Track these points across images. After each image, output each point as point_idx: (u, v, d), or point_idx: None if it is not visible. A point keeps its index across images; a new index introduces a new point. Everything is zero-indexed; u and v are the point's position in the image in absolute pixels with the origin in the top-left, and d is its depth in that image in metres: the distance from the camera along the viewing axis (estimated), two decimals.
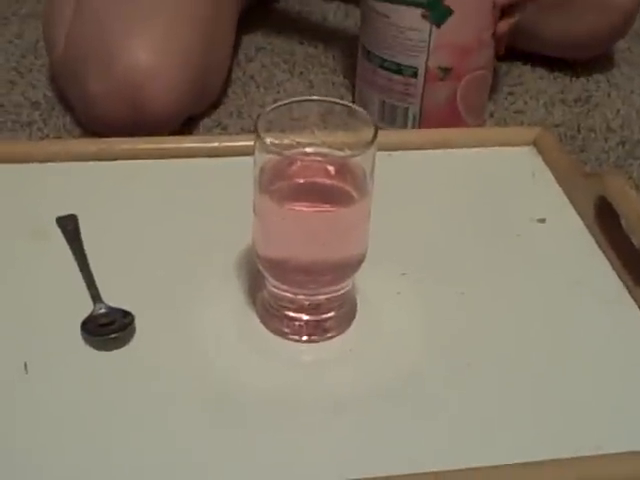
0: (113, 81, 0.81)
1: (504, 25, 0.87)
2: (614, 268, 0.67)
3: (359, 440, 0.53)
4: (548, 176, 0.76)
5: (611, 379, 0.59)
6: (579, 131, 0.95)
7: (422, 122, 0.88)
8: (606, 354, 0.60)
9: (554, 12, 1.00)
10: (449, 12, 0.82)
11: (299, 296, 0.59)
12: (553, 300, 0.64)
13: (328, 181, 0.57)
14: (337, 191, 0.57)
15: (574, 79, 1.04)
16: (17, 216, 0.68)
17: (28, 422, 0.53)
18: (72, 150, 0.76)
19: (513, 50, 0.97)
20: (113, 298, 0.61)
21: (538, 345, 0.61)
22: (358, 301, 0.62)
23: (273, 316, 0.60)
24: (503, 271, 0.67)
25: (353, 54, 0.94)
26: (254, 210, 0.58)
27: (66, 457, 0.51)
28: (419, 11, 0.83)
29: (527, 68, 1.06)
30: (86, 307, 0.60)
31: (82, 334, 0.58)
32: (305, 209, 0.57)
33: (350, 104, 0.59)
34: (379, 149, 0.55)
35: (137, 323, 0.59)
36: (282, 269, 0.58)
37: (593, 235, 0.69)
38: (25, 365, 0.56)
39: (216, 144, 0.77)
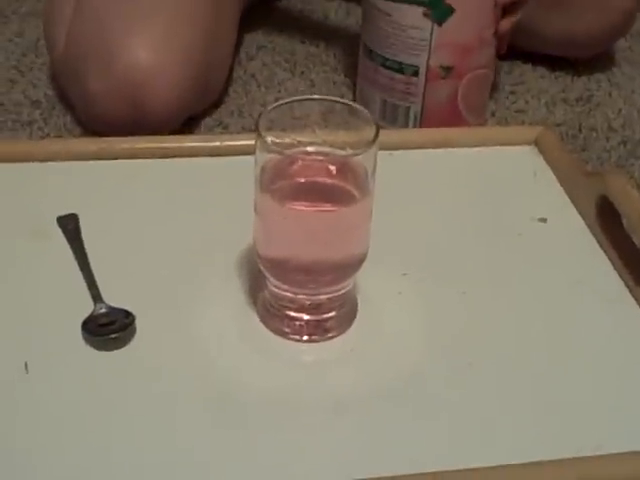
0: (113, 80, 0.81)
1: (506, 23, 0.87)
2: (615, 268, 0.67)
3: (360, 440, 0.53)
4: (549, 175, 0.76)
5: (612, 378, 0.58)
6: (580, 130, 0.94)
7: (423, 121, 0.88)
8: (607, 353, 0.60)
9: (555, 10, 1.00)
10: (450, 10, 0.82)
11: (300, 296, 0.59)
12: (554, 299, 0.64)
13: (329, 180, 0.57)
14: (338, 190, 0.57)
15: (575, 78, 1.04)
16: (18, 215, 0.68)
17: (28, 422, 0.53)
18: (73, 149, 0.75)
19: (514, 49, 0.97)
20: (114, 298, 0.60)
21: (539, 345, 0.61)
22: (359, 301, 0.62)
23: (274, 316, 0.60)
24: (504, 271, 0.67)
25: (354, 53, 0.93)
26: (255, 209, 0.57)
27: (66, 457, 0.51)
28: (421, 9, 0.83)
29: (528, 67, 1.06)
30: (87, 307, 0.60)
31: (83, 334, 0.58)
32: (306, 208, 0.57)
33: (351, 103, 0.58)
34: (380, 148, 0.55)
35: (138, 323, 0.59)
36: (283, 269, 0.58)
37: (594, 234, 0.69)
38: (25, 365, 0.56)
39: (217, 143, 0.77)
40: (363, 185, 0.56)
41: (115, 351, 0.58)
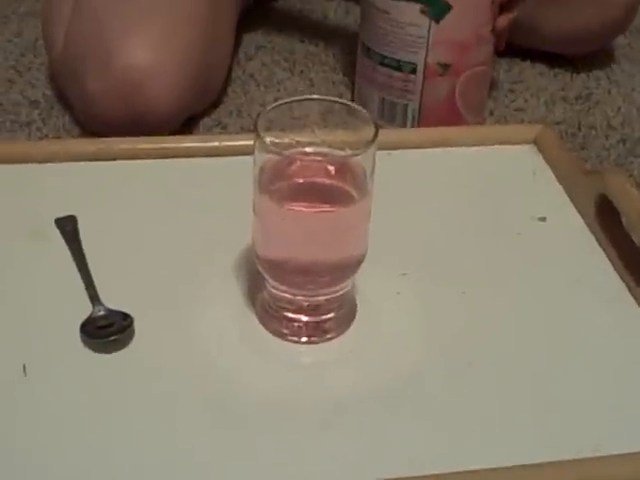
0: (112, 80, 0.81)
1: (503, 20, 0.87)
2: (615, 266, 0.67)
3: (359, 441, 0.53)
4: (549, 174, 0.76)
5: (611, 378, 0.58)
6: (580, 129, 0.94)
7: (421, 120, 0.88)
8: (607, 353, 0.60)
9: (553, 5, 0.99)
10: (448, 7, 0.82)
11: (298, 297, 0.59)
12: (553, 299, 0.64)
13: (328, 181, 0.57)
14: (337, 191, 0.57)
15: (575, 76, 1.04)
16: (16, 217, 0.68)
17: (27, 424, 0.53)
18: (71, 150, 0.75)
19: (512, 46, 0.97)
20: (112, 299, 0.60)
21: (538, 344, 0.61)
22: (358, 301, 0.62)
23: (273, 317, 0.60)
24: (503, 270, 0.66)
25: (353, 52, 0.93)
26: (254, 210, 0.57)
27: (65, 459, 0.51)
28: (418, 6, 0.83)
29: (527, 65, 1.06)
30: (85, 309, 0.60)
31: (81, 336, 0.58)
32: (305, 209, 0.57)
33: (350, 103, 0.58)
34: (378, 148, 0.55)
35: (136, 324, 0.59)
36: (281, 269, 0.58)
37: (594, 233, 0.69)
38: (24, 367, 0.56)
39: (216, 143, 0.77)
40: (362, 185, 0.56)
41: (114, 353, 0.57)
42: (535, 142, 0.79)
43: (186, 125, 0.89)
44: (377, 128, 0.55)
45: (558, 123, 0.95)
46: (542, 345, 0.60)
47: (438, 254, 0.67)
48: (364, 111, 0.57)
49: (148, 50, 0.81)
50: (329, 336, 0.60)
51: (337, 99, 0.59)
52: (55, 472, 0.51)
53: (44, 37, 0.93)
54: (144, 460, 0.51)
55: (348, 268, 0.58)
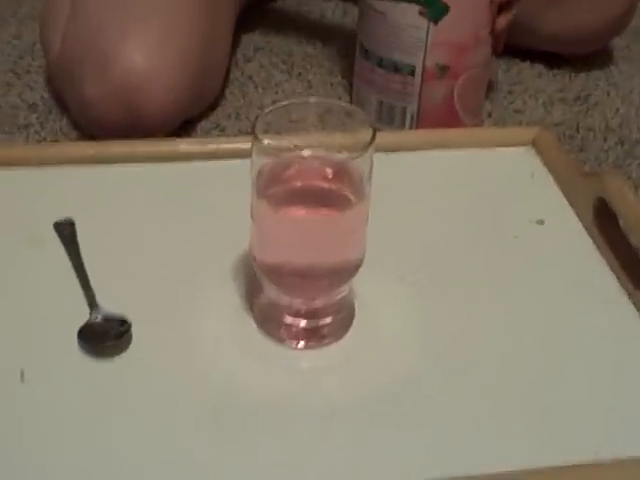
0: (109, 84, 0.81)
1: (502, 21, 0.87)
2: (612, 269, 0.67)
3: (357, 446, 0.53)
4: (547, 176, 0.76)
5: (609, 382, 0.58)
6: (578, 130, 0.94)
7: (420, 122, 0.88)
8: (604, 356, 0.60)
9: (553, 4, 0.99)
10: (446, 9, 0.82)
11: (296, 301, 0.59)
12: (551, 301, 0.64)
13: (325, 185, 0.57)
14: (334, 195, 0.57)
15: (573, 76, 1.04)
16: (14, 220, 0.68)
17: (25, 430, 0.53)
18: (69, 153, 0.75)
19: (511, 46, 0.97)
20: (110, 304, 0.60)
21: (536, 347, 0.60)
22: (356, 306, 0.62)
23: (270, 322, 0.60)
24: (501, 273, 0.66)
25: (351, 54, 0.93)
26: (251, 215, 0.57)
27: (63, 466, 0.51)
28: (417, 8, 0.83)
29: (526, 65, 1.06)
30: (83, 314, 0.60)
31: (78, 342, 0.58)
32: (302, 214, 0.57)
33: (348, 105, 0.58)
34: (376, 150, 0.55)
35: (134, 329, 0.59)
36: (279, 274, 0.58)
37: (591, 236, 0.69)
38: (21, 373, 0.56)
39: (214, 146, 0.77)
40: (359, 189, 0.56)
41: (111, 359, 0.57)
42: (533, 144, 0.79)
43: (184, 128, 0.88)
44: (374, 131, 0.54)
45: (556, 125, 0.95)
46: (540, 348, 0.60)
47: (436, 258, 0.67)
48: (362, 113, 0.57)
49: (145, 54, 0.81)
50: (327, 341, 0.60)
51: (335, 101, 0.59)
52: (52, 475, 0.51)
53: (42, 40, 0.92)
54: (142, 465, 0.51)
55: (346, 272, 0.58)
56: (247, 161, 0.56)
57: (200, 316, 0.61)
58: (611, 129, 0.95)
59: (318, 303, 0.59)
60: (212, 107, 0.93)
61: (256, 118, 0.55)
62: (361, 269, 0.58)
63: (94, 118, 0.83)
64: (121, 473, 0.51)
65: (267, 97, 0.97)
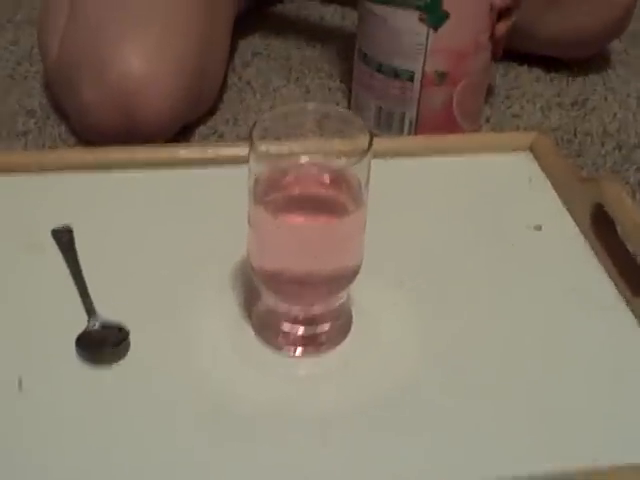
0: (106, 89, 0.81)
1: (502, 27, 0.87)
2: (610, 275, 0.67)
3: (356, 453, 0.53)
4: (545, 182, 0.76)
5: (607, 389, 0.58)
6: (575, 135, 0.94)
7: (418, 128, 0.88)
8: (603, 363, 0.60)
9: (551, 8, 0.99)
10: (446, 15, 0.82)
11: (294, 308, 0.59)
12: (549, 307, 0.64)
13: (323, 192, 0.57)
14: (332, 202, 0.57)
15: (571, 81, 1.04)
16: (12, 227, 0.68)
17: (23, 438, 0.53)
18: (69, 159, 0.75)
19: (509, 51, 0.97)
20: (108, 311, 0.60)
21: (535, 354, 0.61)
22: (354, 312, 0.62)
23: (269, 329, 0.60)
24: (500, 279, 0.66)
25: (350, 58, 0.93)
26: (249, 222, 0.57)
27: (60, 473, 0.51)
28: (417, 14, 0.83)
29: (523, 69, 1.06)
30: (81, 321, 0.60)
31: (76, 349, 0.58)
32: (300, 221, 0.57)
33: (346, 111, 0.58)
34: (374, 156, 0.55)
35: (132, 336, 0.59)
36: (277, 281, 0.58)
37: (589, 242, 0.69)
38: (19, 381, 0.56)
39: (212, 152, 0.77)
40: (357, 196, 0.56)
41: (109, 366, 0.57)
42: (531, 149, 0.79)
43: (182, 133, 0.88)
44: (372, 137, 0.54)
45: (554, 129, 0.95)
46: (538, 355, 0.60)
47: (434, 264, 0.67)
48: (359, 119, 0.57)
49: (143, 59, 0.81)
50: (325, 348, 0.60)
51: (333, 107, 0.59)
52: None
53: (39, 45, 0.92)
54: (140, 472, 0.51)
55: (344, 279, 0.58)
56: (245, 167, 0.56)
57: (198, 323, 0.61)
58: (609, 134, 0.95)
59: (316, 310, 0.59)
60: (210, 112, 0.94)
61: (253, 124, 0.55)
62: (361, 275, 0.58)
63: (92, 123, 0.83)
64: (120, 477, 0.51)
65: (265, 103, 0.97)
